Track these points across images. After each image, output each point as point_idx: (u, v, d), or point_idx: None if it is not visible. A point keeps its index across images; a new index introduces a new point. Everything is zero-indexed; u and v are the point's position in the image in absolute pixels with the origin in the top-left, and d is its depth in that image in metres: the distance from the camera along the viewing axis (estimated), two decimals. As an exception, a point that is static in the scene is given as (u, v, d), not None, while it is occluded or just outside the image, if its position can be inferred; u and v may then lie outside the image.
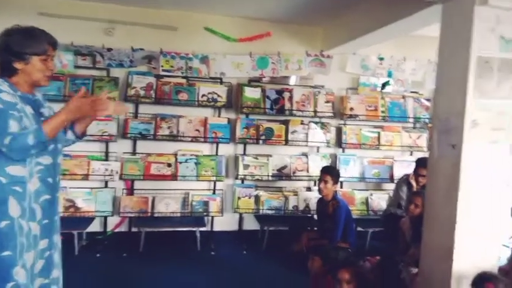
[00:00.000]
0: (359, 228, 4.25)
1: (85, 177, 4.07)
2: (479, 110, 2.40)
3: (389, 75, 4.65)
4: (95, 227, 4.17)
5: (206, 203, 4.31)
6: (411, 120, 4.68)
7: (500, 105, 2.42)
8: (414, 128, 4.70)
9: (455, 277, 2.34)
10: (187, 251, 4.07)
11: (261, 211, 4.39)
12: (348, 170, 4.60)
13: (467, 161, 2.37)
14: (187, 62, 4.30)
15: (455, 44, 2.50)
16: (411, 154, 4.71)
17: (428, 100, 4.77)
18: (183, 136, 4.29)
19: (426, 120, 4.71)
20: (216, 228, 4.48)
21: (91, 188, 4.11)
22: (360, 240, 4.01)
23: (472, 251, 2.37)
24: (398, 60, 4.61)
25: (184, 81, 4.37)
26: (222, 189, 4.47)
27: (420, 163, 3.84)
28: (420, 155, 4.54)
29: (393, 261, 2.80)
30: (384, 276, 2.81)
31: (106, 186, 4.21)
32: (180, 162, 4.28)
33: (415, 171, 4.00)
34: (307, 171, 4.54)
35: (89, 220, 4.03)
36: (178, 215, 4.23)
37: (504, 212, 2.49)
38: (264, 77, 4.52)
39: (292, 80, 4.74)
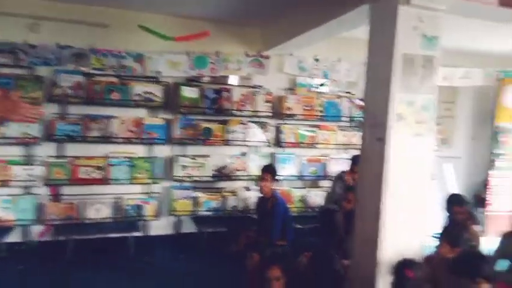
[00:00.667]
0: (297, 226, 4.28)
1: (4, 183, 3.71)
2: (404, 104, 2.50)
3: (325, 75, 4.78)
4: (15, 237, 3.81)
5: (140, 207, 4.11)
6: (346, 119, 4.82)
7: (423, 100, 2.54)
8: (349, 126, 4.85)
9: (382, 265, 2.42)
10: (119, 258, 3.86)
11: (199, 213, 4.28)
12: (287, 169, 4.64)
13: (392, 153, 2.46)
14: (119, 60, 4.09)
15: (381, 42, 2.59)
16: (346, 152, 4.85)
17: (361, 100, 4.94)
18: (115, 137, 4.08)
19: (361, 119, 4.86)
20: (152, 232, 4.28)
21: (11, 195, 3.75)
22: (298, 236, 4.03)
23: (397, 240, 2.47)
24: (333, 62, 4.75)
25: (116, 80, 4.15)
26: (158, 192, 4.30)
27: (355, 160, 3.96)
28: (355, 152, 4.69)
29: (328, 254, 2.83)
30: (319, 270, 2.84)
31: (29, 192, 3.87)
32: (112, 165, 4.05)
33: (351, 168, 4.12)
34: (247, 170, 4.51)
35: (8, 230, 3.67)
36: (110, 220, 3.99)
37: (428, 203, 2.61)
38: (204, 77, 4.44)
39: (232, 80, 4.69)
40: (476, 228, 3.44)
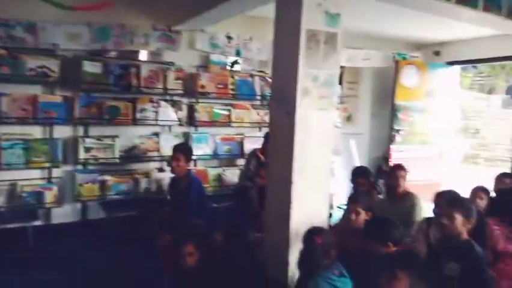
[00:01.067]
0: (213, 205, 4.27)
1: None
2: (309, 79, 2.58)
3: (238, 54, 4.77)
4: None
5: (40, 194, 3.75)
6: (258, 97, 4.87)
7: (326, 76, 2.64)
8: (261, 105, 4.91)
9: (293, 234, 2.51)
10: (16, 250, 3.49)
11: (108, 197, 4.04)
12: (201, 148, 4.58)
13: (299, 127, 2.53)
14: (7, 30, 3.63)
15: (287, 18, 2.63)
16: (260, 130, 4.93)
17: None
18: (6, 118, 3.64)
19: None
20: (55, 221, 3.95)
21: None
22: (214, 215, 4.03)
23: (306, 210, 2.57)
24: (245, 40, 4.75)
25: (4, 52, 3.68)
26: (59, 177, 3.95)
27: (267, 138, 4.02)
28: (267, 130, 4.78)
29: (241, 229, 2.87)
30: (233, 245, 2.86)
31: None
32: (4, 148, 3.62)
33: (263, 145, 4.19)
34: (159, 151, 4.35)
35: None
36: (4, 210, 3.59)
37: (332, 174, 2.75)
38: (110, 51, 4.13)
39: (142, 56, 4.45)
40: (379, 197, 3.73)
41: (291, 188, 2.53)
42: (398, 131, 5.54)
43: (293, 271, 2.53)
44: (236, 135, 4.83)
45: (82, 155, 3.95)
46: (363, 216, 2.74)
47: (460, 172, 8.43)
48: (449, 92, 5.82)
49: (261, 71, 4.99)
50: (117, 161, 4.13)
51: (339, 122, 5.33)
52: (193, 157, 4.24)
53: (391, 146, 5.53)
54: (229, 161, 4.83)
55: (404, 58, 5.62)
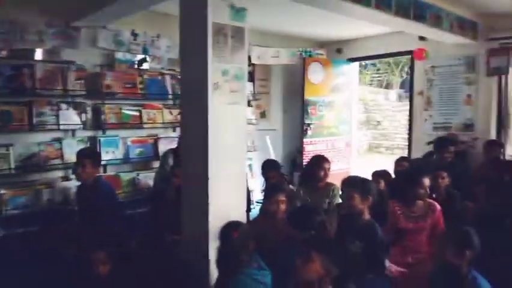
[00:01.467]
0: (128, 211, 4.05)
1: None
2: (219, 73, 2.57)
3: (145, 51, 4.58)
4: None
5: None
6: (170, 96, 4.73)
7: (236, 70, 2.65)
8: (174, 104, 4.78)
9: (212, 231, 2.48)
10: None
11: (4, 213, 3.60)
12: (111, 152, 4.30)
13: (212, 122, 2.51)
14: None
15: (193, 12, 2.60)
16: (174, 130, 4.79)
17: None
18: None
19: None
20: None
21: None
22: (131, 222, 3.83)
23: (224, 206, 2.55)
24: (153, 37, 4.58)
25: None
26: None
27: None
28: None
29: (156, 234, 2.76)
30: (151, 250, 2.75)
31: None
32: None
33: (178, 145, 4.08)
34: (62, 158, 3.99)
35: None
36: None
37: (250, 170, 2.76)
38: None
39: (38, 55, 4.03)
40: (292, 187, 3.85)
41: (208, 185, 2.50)
42: (309, 125, 5.80)
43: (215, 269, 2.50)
44: (149, 136, 4.63)
45: (-31, 167, 3.47)
46: (284, 206, 2.83)
47: (365, 160, 9.14)
48: (351, 87, 6.26)
49: (171, 70, 4.85)
50: (13, 172, 3.70)
51: (254, 119, 5.43)
52: (102, 162, 3.99)
53: (304, 140, 5.77)
54: (142, 164, 4.61)
55: (310, 55, 5.91)
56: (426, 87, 5.41)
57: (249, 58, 5.39)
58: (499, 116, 4.91)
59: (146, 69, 4.68)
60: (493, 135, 4.84)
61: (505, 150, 4.53)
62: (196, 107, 2.58)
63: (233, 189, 2.64)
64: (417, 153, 5.17)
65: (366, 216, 2.63)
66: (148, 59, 4.70)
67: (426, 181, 3.05)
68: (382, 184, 3.72)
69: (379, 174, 3.86)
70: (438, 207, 3.07)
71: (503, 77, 4.82)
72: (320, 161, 3.67)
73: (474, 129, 4.96)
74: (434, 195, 3.44)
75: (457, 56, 5.06)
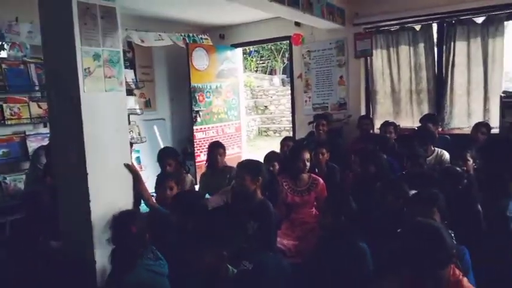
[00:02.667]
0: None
1: None
2: (89, 58, 2.34)
3: (1, 37, 3.97)
4: None
5: None
6: (37, 88, 4.19)
7: (109, 54, 2.44)
8: (43, 97, 4.24)
9: (97, 229, 2.29)
10: None
11: None
12: (-33, 156, 3.68)
13: (87, 111, 2.29)
14: None
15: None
16: (45, 126, 4.27)
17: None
18: None
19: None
20: None
21: None
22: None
23: (109, 201, 2.36)
24: (10, 22, 3.99)
25: None
26: None
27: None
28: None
29: (31, 236, 2.45)
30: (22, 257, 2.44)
31: None
32: None
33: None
34: None
35: None
36: None
37: (124, 157, 2.56)
38: None
39: None
40: (188, 177, 3.75)
41: (87, 181, 2.28)
42: (197, 112, 5.72)
43: (103, 267, 2.31)
44: (14, 134, 4.06)
45: None
46: (175, 190, 2.78)
47: (256, 144, 9.46)
48: (236, 72, 6.34)
49: (36, 58, 4.29)
50: None
51: (139, 109, 5.14)
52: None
53: (194, 128, 5.68)
54: (9, 166, 4.03)
55: (194, 41, 5.80)
56: (304, 71, 5.76)
57: (130, 44, 5.08)
58: (367, 94, 5.48)
59: (4, 58, 4.08)
60: (363, 112, 5.38)
61: (373, 124, 5.07)
62: (66, 96, 2.32)
63: (117, 183, 2.45)
64: (302, 134, 5.50)
65: (259, 196, 2.70)
66: (5, 46, 4.08)
67: (306, 155, 3.26)
68: (276, 165, 3.85)
69: (270, 157, 3.98)
70: (321, 181, 3.30)
71: (369, 58, 5.37)
72: (213, 147, 3.79)
73: (347, 108, 5.46)
74: (316, 170, 3.70)
75: (329, 41, 5.48)
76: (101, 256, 2.28)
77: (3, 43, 4.06)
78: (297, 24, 5.47)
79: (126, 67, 4.74)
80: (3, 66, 3.97)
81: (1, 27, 3.94)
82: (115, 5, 2.47)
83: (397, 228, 1.93)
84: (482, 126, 4.15)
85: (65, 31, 2.27)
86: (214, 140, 5.81)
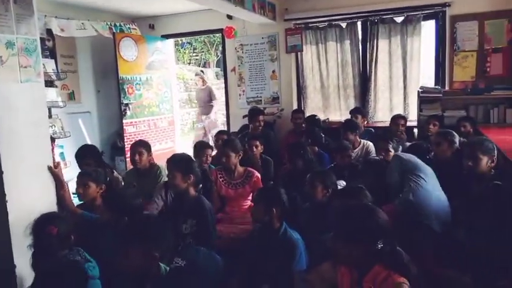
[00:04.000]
0: None
1: None
2: (1, 46, 2.12)
3: None
4: None
5: None
6: None
7: (25, 42, 2.24)
8: None
9: (16, 232, 2.10)
10: None
11: None
12: None
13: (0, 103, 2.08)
14: None
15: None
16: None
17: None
18: None
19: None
20: None
21: None
22: None
23: (27, 201, 2.19)
24: None
25: None
26: None
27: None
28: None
29: None
30: None
31: None
32: None
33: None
34: None
35: None
36: None
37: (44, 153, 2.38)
38: None
39: None
40: (116, 174, 3.56)
41: (2, 180, 2.08)
42: (127, 105, 5.47)
43: (22, 275, 2.13)
44: None
45: None
46: (93, 189, 2.62)
47: (190, 138, 9.30)
48: (167, 64, 6.16)
49: None
50: None
51: (61, 101, 4.78)
52: None
53: (123, 121, 5.42)
54: None
55: (122, 30, 5.52)
56: (237, 64, 5.76)
57: (50, 31, 4.70)
58: (298, 88, 5.64)
59: None
60: (295, 105, 5.54)
61: (305, 116, 5.23)
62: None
63: (36, 180, 2.27)
64: (236, 127, 5.52)
65: (192, 193, 2.64)
66: None
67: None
68: (208, 155, 3.82)
69: (201, 146, 3.92)
70: (256, 173, 3.30)
71: (299, 54, 5.52)
72: (132, 147, 3.54)
73: (280, 101, 5.58)
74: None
75: (261, 35, 5.53)
76: (21, 262, 2.10)
77: None
78: (229, 17, 5.45)
79: (46, 56, 4.39)
80: None
81: None
82: (29, -11, 2.27)
83: (325, 220, 2.00)
84: (400, 118, 4.49)
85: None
86: (145, 134, 5.66)
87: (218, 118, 8.53)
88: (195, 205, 2.58)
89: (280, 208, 2.23)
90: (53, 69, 4.54)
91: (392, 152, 3.29)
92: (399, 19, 4.99)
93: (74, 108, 5.18)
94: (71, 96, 5.25)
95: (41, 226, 1.99)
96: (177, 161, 2.67)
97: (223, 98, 6.39)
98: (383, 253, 1.48)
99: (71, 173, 4.65)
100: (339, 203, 2.13)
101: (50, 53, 4.74)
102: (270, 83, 5.62)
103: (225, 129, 5.85)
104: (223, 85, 6.27)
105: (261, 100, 5.68)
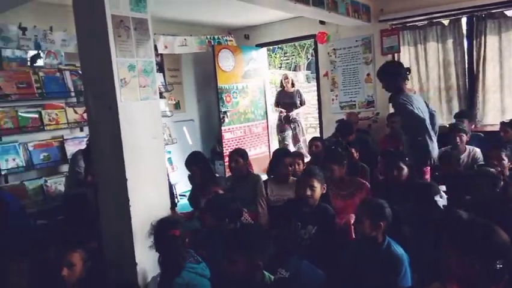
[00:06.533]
0: (40, 221, 3.72)
1: None
2: (124, 69, 2.43)
3: (38, 47, 4.16)
4: None
5: None
6: (72, 94, 4.38)
7: (143, 64, 2.53)
8: (78, 102, 4.43)
9: (137, 233, 2.37)
10: None
11: None
12: (11, 160, 3.88)
13: (124, 120, 2.38)
14: None
15: (88, 4, 2.40)
16: (81, 130, 4.47)
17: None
18: None
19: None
20: None
21: None
22: (44, 233, 3.54)
23: (147, 205, 2.44)
24: (45, 31, 4.17)
25: None
26: None
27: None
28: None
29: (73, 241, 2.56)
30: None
31: None
32: None
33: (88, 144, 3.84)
34: (-50, 173, 3.51)
35: None
36: None
37: (160, 162, 2.66)
38: None
39: None
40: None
41: (127, 186, 2.37)
42: (225, 112, 5.80)
43: (143, 271, 2.41)
44: (53, 139, 4.26)
45: None
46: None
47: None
48: (261, 72, 6.38)
49: (70, 65, 4.47)
50: None
51: (169, 111, 5.28)
52: (2, 172, 3.60)
53: (222, 128, 5.76)
54: (50, 169, 4.23)
55: (219, 42, 5.88)
56: (330, 69, 5.73)
57: (155, 48, 5.20)
58: (394, 91, 5.41)
59: (41, 66, 4.27)
60: (391, 109, 5.31)
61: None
62: (104, 106, 2.42)
63: (155, 187, 2.54)
64: (329, 132, 5.49)
65: (316, 199, 2.66)
66: (41, 54, 4.27)
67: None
68: (300, 163, 3.88)
69: (296, 156, 4.00)
70: (366, 184, 3.13)
71: (396, 55, 5.29)
72: (230, 155, 3.72)
73: (375, 105, 5.41)
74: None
75: (354, 38, 5.43)
76: (142, 259, 2.38)
77: (40, 52, 4.24)
78: (322, 22, 5.45)
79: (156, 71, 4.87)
80: (41, 74, 4.16)
81: (37, 37, 4.13)
82: (147, 16, 2.56)
83: (438, 236, 1.88)
84: (508, 126, 4.01)
85: (101, 43, 2.36)
86: (242, 139, 5.94)
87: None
88: (318, 212, 2.61)
89: (387, 222, 2.16)
90: (161, 82, 5.03)
91: (506, 161, 2.98)
92: (510, 12, 4.50)
93: (179, 117, 5.67)
94: (177, 106, 5.76)
95: (166, 229, 2.17)
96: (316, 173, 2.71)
97: (313, 102, 6.40)
98: (501, 274, 1.38)
99: (178, 176, 5.12)
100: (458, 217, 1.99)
101: (159, 67, 5.26)
102: (364, 87, 5.49)
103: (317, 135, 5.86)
104: (313, 88, 6.29)
105: (355, 104, 5.57)
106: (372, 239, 2.17)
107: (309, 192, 2.60)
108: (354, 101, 5.57)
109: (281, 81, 6.66)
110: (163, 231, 2.14)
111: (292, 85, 6.58)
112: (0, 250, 2.57)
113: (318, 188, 2.63)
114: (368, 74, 5.42)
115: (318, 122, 6.38)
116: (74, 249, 2.16)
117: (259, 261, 1.67)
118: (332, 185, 3.14)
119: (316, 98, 6.27)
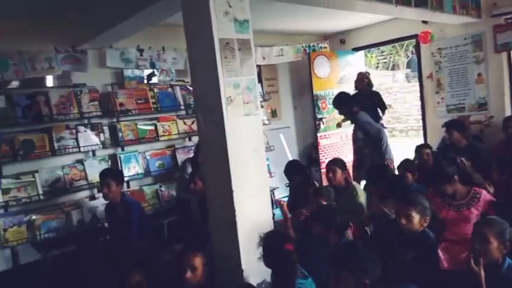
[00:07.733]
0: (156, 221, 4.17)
1: None
2: (230, 88, 2.61)
3: (152, 66, 4.65)
4: None
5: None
6: (182, 107, 4.81)
7: (246, 81, 2.70)
8: (187, 114, 4.86)
9: (243, 241, 2.53)
10: None
11: (38, 237, 3.75)
12: (132, 168, 4.42)
13: (230, 135, 2.55)
14: None
15: (198, 28, 2.63)
16: (190, 139, 4.88)
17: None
18: None
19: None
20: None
21: None
22: (159, 234, 3.96)
23: (252, 215, 2.59)
24: (158, 51, 4.65)
25: None
26: (-23, 226, 3.57)
27: (199, 146, 4.02)
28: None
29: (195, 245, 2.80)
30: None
31: None
32: None
33: (195, 153, 4.20)
34: (86, 179, 4.12)
35: None
36: None
37: (262, 173, 2.79)
38: (11, 81, 3.81)
39: (49, 81, 4.15)
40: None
41: (233, 197, 2.53)
42: (321, 119, 5.81)
43: (248, 277, 2.52)
44: (166, 148, 4.74)
45: (0, 197, 3.61)
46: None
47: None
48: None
49: (180, 80, 4.93)
50: (41, 197, 3.84)
51: (266, 119, 5.47)
52: (125, 178, 4.10)
53: (318, 134, 5.78)
54: (164, 175, 4.70)
55: (314, 50, 5.91)
56: (434, 70, 5.37)
57: (254, 59, 5.44)
58: (511, 91, 4.87)
59: (156, 83, 4.77)
60: (508, 112, 4.80)
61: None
62: (212, 121, 2.62)
63: (258, 197, 2.67)
64: (434, 138, 5.16)
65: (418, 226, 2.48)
66: (156, 72, 4.78)
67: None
68: (410, 177, 3.71)
69: (406, 166, 3.83)
70: (484, 194, 2.82)
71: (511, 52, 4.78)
72: (327, 165, 3.73)
73: (488, 108, 4.93)
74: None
75: (463, 36, 5.02)
76: (247, 267, 2.52)
77: (154, 70, 4.75)
78: (424, 21, 5.14)
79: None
80: (156, 90, 4.66)
81: (152, 57, 4.63)
82: (249, 37, 2.72)
83: None
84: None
85: (210, 65, 2.57)
86: (338, 146, 5.88)
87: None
88: (420, 238, 2.45)
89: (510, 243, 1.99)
90: (260, 92, 5.23)
91: None
92: None
93: (276, 124, 5.84)
94: (274, 114, 5.94)
95: (279, 243, 2.18)
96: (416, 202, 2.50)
97: (416, 102, 6.04)
98: None
99: (275, 182, 5.26)
100: None
101: (257, 77, 5.48)
102: (475, 88, 5.03)
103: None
104: (414, 88, 5.93)
105: (464, 107, 5.14)
106: (494, 260, 2.00)
107: (404, 221, 2.43)
108: (463, 104, 5.14)
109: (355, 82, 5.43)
110: (276, 246, 2.15)
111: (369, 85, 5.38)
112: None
113: (417, 219, 2.42)
114: (479, 74, 4.97)
115: (420, 125, 6.01)
116: (195, 253, 2.25)
117: (366, 280, 1.66)
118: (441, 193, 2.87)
119: (417, 98, 5.91)
